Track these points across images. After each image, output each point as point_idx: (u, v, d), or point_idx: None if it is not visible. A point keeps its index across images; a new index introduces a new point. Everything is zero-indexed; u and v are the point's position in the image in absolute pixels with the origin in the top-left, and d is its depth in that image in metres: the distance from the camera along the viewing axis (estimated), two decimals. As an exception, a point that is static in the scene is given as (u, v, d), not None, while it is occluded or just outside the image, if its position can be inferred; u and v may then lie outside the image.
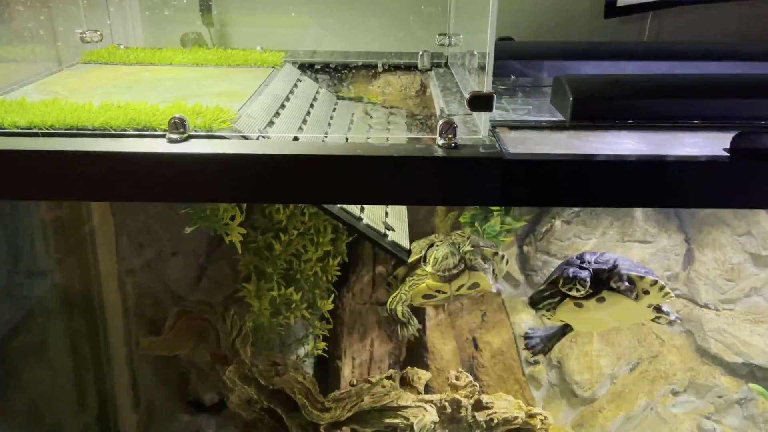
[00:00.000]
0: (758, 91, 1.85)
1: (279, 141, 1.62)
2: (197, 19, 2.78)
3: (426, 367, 2.68)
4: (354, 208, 1.88)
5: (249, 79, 2.20)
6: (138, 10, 2.75)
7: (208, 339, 2.14)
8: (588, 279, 1.87)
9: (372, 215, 1.92)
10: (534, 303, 2.03)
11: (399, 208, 2.23)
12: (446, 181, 1.46)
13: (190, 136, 1.53)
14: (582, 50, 2.42)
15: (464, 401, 2.31)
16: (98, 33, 2.47)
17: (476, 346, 2.84)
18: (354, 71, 2.76)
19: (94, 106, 1.67)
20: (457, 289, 1.82)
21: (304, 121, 2.00)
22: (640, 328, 2.86)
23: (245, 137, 1.57)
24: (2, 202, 2.37)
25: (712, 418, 2.87)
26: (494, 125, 1.72)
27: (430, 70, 2.74)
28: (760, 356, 2.74)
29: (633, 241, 2.75)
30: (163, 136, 1.53)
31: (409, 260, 1.89)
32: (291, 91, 2.24)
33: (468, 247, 1.79)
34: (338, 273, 2.58)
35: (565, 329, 2.17)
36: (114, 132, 1.57)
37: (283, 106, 2.05)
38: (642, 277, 1.92)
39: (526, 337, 2.28)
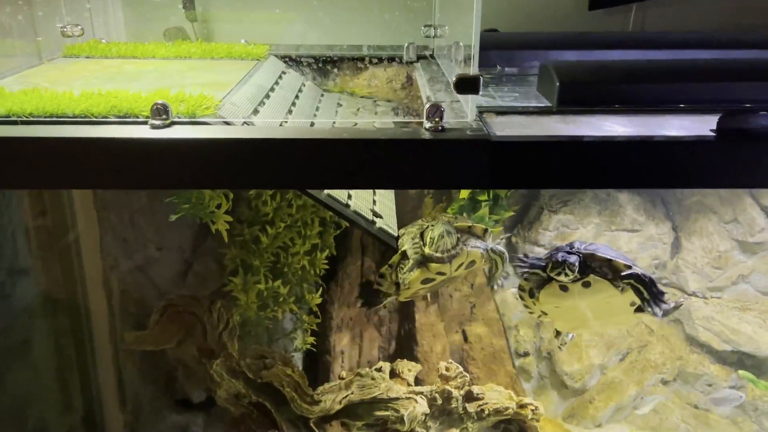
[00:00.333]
0: (743, 75, 1.85)
1: (265, 126, 1.60)
2: (180, 15, 2.75)
3: (416, 360, 2.66)
4: (341, 195, 1.86)
5: (233, 71, 2.18)
6: (120, 5, 2.72)
7: (194, 333, 2.10)
8: (577, 264, 1.87)
9: (360, 203, 1.90)
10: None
11: (387, 197, 2.21)
12: (433, 164, 1.45)
13: (173, 123, 1.51)
14: (567, 40, 2.42)
15: (455, 392, 2.29)
16: (79, 27, 2.44)
17: (466, 339, 2.83)
18: (339, 65, 2.75)
19: (75, 95, 1.64)
20: (456, 269, 1.79)
21: (290, 111, 1.98)
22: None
23: (229, 124, 1.55)
24: (-18, 199, 2.33)
25: (701, 406, 2.87)
26: (481, 111, 1.71)
27: (416, 61, 2.73)
28: (748, 344, 2.75)
29: (621, 230, 2.75)
30: (145, 123, 1.50)
31: (402, 247, 1.85)
32: (276, 83, 2.22)
33: (461, 225, 1.77)
34: (326, 266, 2.55)
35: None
36: (95, 119, 1.54)
37: (267, 95, 2.03)
38: (629, 267, 1.90)
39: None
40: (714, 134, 1.51)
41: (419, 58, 2.71)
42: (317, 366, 2.69)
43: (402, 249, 1.82)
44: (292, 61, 2.66)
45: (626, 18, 2.78)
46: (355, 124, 1.67)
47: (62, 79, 1.98)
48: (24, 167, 1.44)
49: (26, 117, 1.53)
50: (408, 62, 2.76)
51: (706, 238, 2.76)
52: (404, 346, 2.75)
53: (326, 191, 1.78)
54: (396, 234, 1.88)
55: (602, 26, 2.76)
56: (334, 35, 2.80)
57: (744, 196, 2.70)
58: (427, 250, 1.76)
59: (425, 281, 1.79)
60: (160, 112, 1.49)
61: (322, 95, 2.44)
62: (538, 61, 2.19)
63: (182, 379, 2.70)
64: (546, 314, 2.06)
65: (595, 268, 1.90)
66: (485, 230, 1.80)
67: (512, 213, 2.59)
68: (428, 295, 2.71)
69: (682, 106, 1.74)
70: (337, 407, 2.18)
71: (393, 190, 2.36)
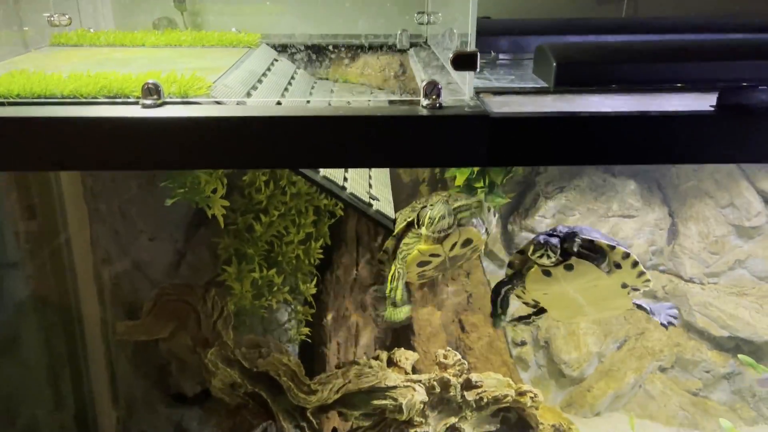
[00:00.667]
0: (739, 54, 1.84)
1: (259, 104, 1.57)
2: (170, 5, 2.72)
3: (413, 350, 2.63)
4: (337, 178, 1.82)
5: (225, 57, 2.15)
6: (108, -4, 2.68)
7: (188, 322, 2.07)
8: (558, 245, 1.83)
9: (356, 186, 1.87)
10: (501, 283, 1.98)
11: (382, 182, 2.18)
12: (431, 141, 1.42)
13: (165, 103, 1.47)
14: (561, 26, 2.40)
15: (453, 380, 2.27)
16: (67, 17, 2.40)
17: (463, 329, 2.80)
18: (332, 53, 2.72)
19: (63, 77, 1.60)
20: (451, 249, 1.75)
21: (282, 96, 1.94)
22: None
23: (222, 104, 1.52)
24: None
25: (699, 393, 2.86)
26: (478, 91, 1.68)
27: (409, 49, 2.70)
28: (745, 329, 2.74)
29: (618, 216, 2.73)
30: (136, 103, 1.47)
31: (396, 230, 1.83)
32: (268, 69, 2.19)
33: (455, 204, 1.73)
34: (321, 256, 2.52)
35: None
36: (84, 100, 1.50)
37: (260, 80, 2.00)
38: (613, 248, 1.86)
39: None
40: (713, 109, 1.49)
41: (412, 45, 2.68)
42: (312, 357, 2.65)
43: (395, 233, 1.78)
44: (284, 49, 2.63)
45: (619, 5, 2.77)
46: (349, 103, 1.65)
47: (50, 65, 1.93)
48: (11, 148, 1.40)
49: (13, 98, 1.49)
50: (401, 50, 2.74)
51: (702, 223, 2.75)
52: (401, 336, 2.72)
53: (322, 173, 1.75)
54: (393, 217, 1.86)
55: (595, 13, 2.75)
56: (326, 25, 2.77)
57: (740, 179, 2.69)
58: (423, 231, 1.72)
59: (421, 264, 1.76)
60: (152, 91, 1.46)
61: (315, 83, 2.41)
62: (532, 48, 2.18)
63: (175, 373, 2.65)
64: (538, 302, 2.02)
65: (578, 250, 1.86)
66: (479, 202, 1.76)
67: (508, 200, 2.57)
68: (425, 282, 2.67)
69: (679, 85, 1.73)
70: (335, 397, 2.15)
71: (388, 176, 2.34)
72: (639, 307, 2.00)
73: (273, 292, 2.33)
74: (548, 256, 1.81)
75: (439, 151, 1.43)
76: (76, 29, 2.40)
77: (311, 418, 2.17)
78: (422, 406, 2.23)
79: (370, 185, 2.01)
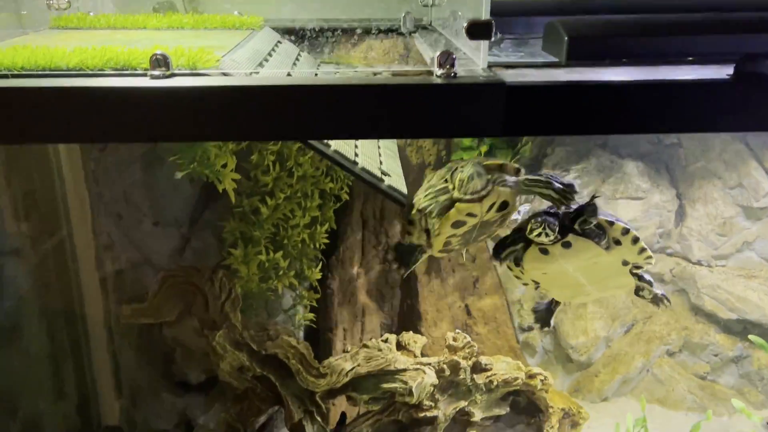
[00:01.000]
0: (753, 27, 1.82)
1: (271, 75, 1.54)
2: (170, -12, 2.68)
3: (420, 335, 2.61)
4: (349, 153, 1.79)
5: (228, 38, 2.12)
6: (108, -21, 2.64)
7: (195, 304, 2.03)
8: (556, 223, 1.77)
9: (367, 161, 1.84)
10: (496, 251, 1.90)
11: (392, 159, 2.15)
12: (446, 111, 1.39)
13: (174, 74, 1.44)
14: (566, 7, 2.38)
15: (463, 363, 2.24)
16: (66, 0, 2.36)
17: (469, 313, 2.78)
18: (335, 37, 2.69)
19: (68, 50, 1.57)
20: (488, 210, 1.69)
21: (289, 75, 1.92)
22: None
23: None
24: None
25: (707, 377, 2.84)
26: (489, 66, 1.66)
27: (414, 32, 2.67)
28: (754, 311, 2.72)
29: (625, 198, 2.71)
30: (144, 75, 1.43)
31: (430, 186, 1.73)
32: (273, 50, 2.17)
33: (489, 164, 1.68)
34: (326, 241, 2.49)
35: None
36: (90, 72, 1.47)
37: (266, 59, 1.97)
38: (612, 223, 1.80)
39: (534, 311, 2.16)
40: (730, 78, 1.47)
41: (417, 28, 2.65)
42: (318, 343, 2.63)
43: (430, 191, 1.72)
44: (286, 33, 2.60)
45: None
46: (356, 70, 1.61)
47: (52, 45, 1.90)
48: (16, 121, 1.36)
49: (17, 71, 1.46)
50: (405, 33, 2.71)
51: (710, 205, 2.73)
52: (407, 321, 2.70)
53: (333, 148, 1.72)
54: (405, 192, 1.82)
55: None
56: (329, 9, 2.75)
57: (749, 159, 2.67)
58: (455, 193, 1.67)
59: (455, 224, 1.69)
60: (160, 62, 1.42)
61: (319, 66, 2.39)
62: (538, 29, 2.16)
63: (180, 361, 2.62)
64: (538, 283, 1.98)
65: (576, 227, 1.82)
66: (518, 169, 1.72)
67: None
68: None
69: (690, 59, 1.71)
70: (344, 380, 2.12)
71: (397, 154, 2.31)
72: (641, 278, 1.95)
73: (279, 276, 2.30)
74: (546, 234, 1.76)
75: (454, 121, 1.40)
76: (76, 12, 2.37)
77: (320, 402, 2.14)
78: (432, 389, 2.20)
79: (380, 162, 1.99)
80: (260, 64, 1.85)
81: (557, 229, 1.76)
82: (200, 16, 2.37)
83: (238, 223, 2.26)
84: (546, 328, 2.13)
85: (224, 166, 1.92)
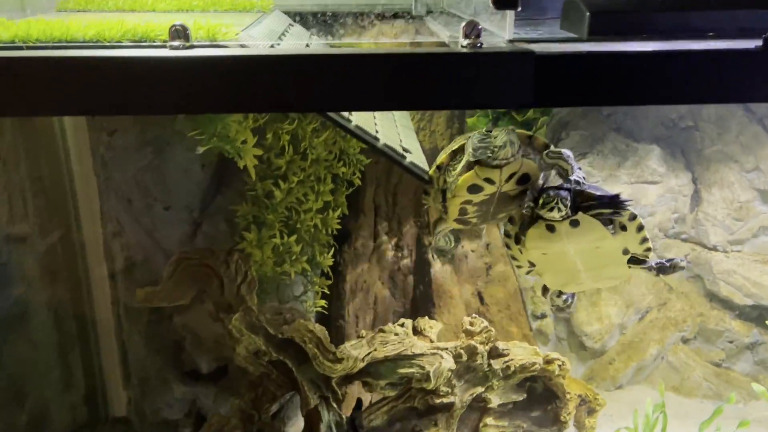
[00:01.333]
0: (777, 2, 1.79)
1: (293, 46, 1.50)
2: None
3: (433, 322, 2.57)
4: (370, 129, 1.76)
5: (241, 19, 2.09)
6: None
7: (210, 287, 2.00)
8: (568, 198, 1.72)
9: (388, 137, 1.80)
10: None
11: (411, 137, 2.11)
12: (475, 81, 1.36)
13: (193, 46, 1.40)
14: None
15: (480, 347, 2.21)
16: (72, -18, 2.33)
17: (482, 301, 2.74)
18: (345, 21, 2.66)
19: (83, 23, 1.53)
20: (507, 179, 1.65)
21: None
22: (648, 274, 2.78)
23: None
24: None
25: (722, 364, 2.81)
26: (511, 41, 1.63)
27: (426, 15, 2.65)
28: (771, 296, 2.70)
29: (641, 182, 2.68)
30: (163, 47, 1.40)
31: (445, 154, 1.68)
32: (286, 31, 2.14)
33: (520, 134, 1.64)
34: (338, 227, 2.46)
35: None
36: (108, 44, 1.43)
37: (280, 39, 1.94)
38: None
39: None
40: (759, 48, 1.43)
41: (428, 12, 2.63)
42: (330, 331, 2.59)
43: (453, 149, 1.67)
44: (296, 18, 2.58)
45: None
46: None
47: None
48: (31, 92, 1.32)
49: (32, 43, 1.42)
50: (417, 17, 2.69)
51: (726, 189, 2.70)
52: (420, 308, 2.66)
53: (355, 123, 1.69)
54: (427, 169, 1.78)
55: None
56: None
57: (766, 142, 2.64)
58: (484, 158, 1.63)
59: (472, 188, 1.65)
60: (179, 34, 1.39)
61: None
62: (548, 12, 2.13)
63: (190, 349, 2.58)
64: (534, 265, 1.91)
65: (585, 206, 1.78)
66: (546, 144, 1.68)
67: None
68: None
69: (711, 34, 1.68)
70: (360, 365, 2.08)
71: (415, 134, 2.28)
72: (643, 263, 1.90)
73: (292, 261, 2.27)
74: (559, 209, 1.71)
75: (481, 92, 1.37)
76: (81, -4, 2.34)
77: (336, 388, 2.10)
78: (449, 374, 2.17)
79: (400, 140, 1.95)
80: (276, 42, 1.82)
81: (569, 203, 1.72)
82: (210, -1, 2.34)
83: (251, 207, 2.23)
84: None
85: (244, 142, 1.88)
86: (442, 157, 1.73)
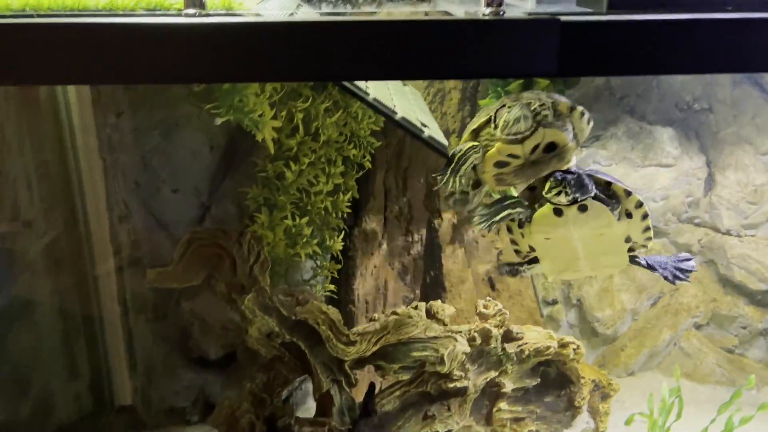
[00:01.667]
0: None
1: (312, 15, 1.46)
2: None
3: (443, 308, 2.54)
4: (387, 103, 1.72)
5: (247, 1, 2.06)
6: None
7: (222, 268, 1.96)
8: (580, 183, 1.66)
9: (405, 112, 1.77)
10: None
11: (428, 114, 2.06)
12: (498, 49, 1.32)
13: (209, 15, 1.37)
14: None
15: (494, 331, 2.17)
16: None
17: (493, 287, 2.72)
18: (352, 4, 2.62)
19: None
20: (532, 151, 1.62)
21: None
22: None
23: (269, 16, 1.42)
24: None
25: (735, 351, 2.79)
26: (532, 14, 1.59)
27: (437, -3, 2.60)
28: (785, 281, 2.67)
29: (654, 165, 2.65)
30: (178, 15, 1.36)
31: (473, 126, 1.65)
32: (295, 10, 2.10)
33: (538, 104, 1.60)
34: (348, 210, 2.43)
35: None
36: (121, 13, 1.40)
37: (293, 15, 1.90)
38: (629, 194, 1.73)
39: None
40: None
41: (440, -7, 2.58)
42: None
43: (474, 127, 1.64)
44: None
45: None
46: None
47: None
48: (44, 60, 1.29)
49: (44, 11, 1.39)
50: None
51: (741, 172, 2.67)
52: (430, 294, 2.63)
53: (373, 96, 1.65)
54: (446, 143, 1.74)
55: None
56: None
57: (782, 124, 2.62)
58: (498, 133, 1.60)
59: (498, 164, 1.63)
60: (195, 2, 1.35)
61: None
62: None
63: (198, 335, 2.56)
64: (533, 250, 1.87)
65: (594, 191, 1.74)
66: (572, 108, 1.64)
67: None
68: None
69: (729, 8, 1.64)
70: (373, 349, 2.05)
71: (430, 113, 2.24)
72: (635, 262, 1.87)
73: (303, 244, 2.24)
74: (566, 194, 1.68)
75: (505, 60, 1.34)
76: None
77: (349, 371, 2.07)
78: (464, 357, 2.13)
79: (417, 116, 1.92)
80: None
81: (576, 189, 1.69)
82: (216, -19, 2.30)
83: (262, 189, 2.19)
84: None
85: (261, 116, 1.84)
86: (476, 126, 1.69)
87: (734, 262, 2.70)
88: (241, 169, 2.33)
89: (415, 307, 2.15)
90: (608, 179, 1.73)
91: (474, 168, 1.67)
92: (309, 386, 2.53)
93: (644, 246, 1.80)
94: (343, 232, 2.45)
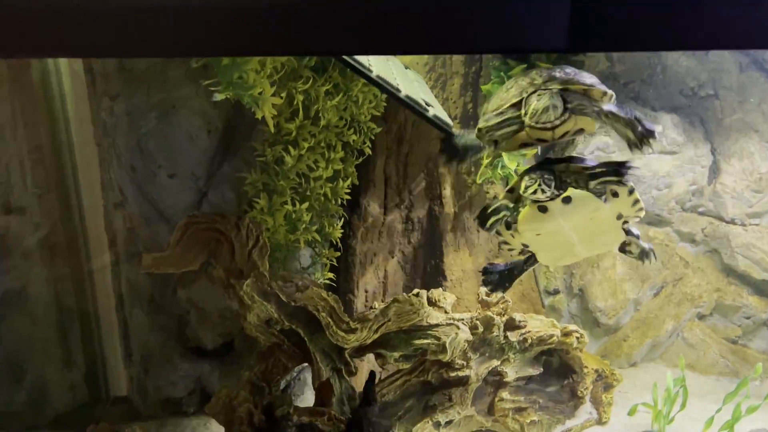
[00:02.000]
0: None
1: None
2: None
3: (444, 297, 2.50)
4: (391, 82, 1.68)
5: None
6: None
7: (220, 252, 1.92)
8: (552, 178, 1.66)
9: (409, 91, 1.72)
10: (484, 218, 1.77)
11: (430, 94, 2.02)
12: (504, 23, 1.28)
13: (207, -13, 1.32)
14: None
15: (497, 319, 2.14)
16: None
17: (494, 276, 2.67)
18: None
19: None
20: (561, 136, 1.59)
21: None
22: (664, 249, 2.73)
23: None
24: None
25: (739, 341, 2.76)
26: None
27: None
28: (790, 271, 2.63)
29: (659, 153, 2.61)
30: (174, -13, 1.31)
31: (500, 104, 1.59)
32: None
33: (576, 88, 1.55)
34: (348, 197, 2.38)
35: (528, 261, 1.92)
36: (116, -16, 1.34)
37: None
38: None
39: (485, 272, 2.00)
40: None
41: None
42: (340, 305, 2.52)
43: (504, 103, 1.58)
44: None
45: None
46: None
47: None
48: (37, 31, 1.24)
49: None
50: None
51: (746, 159, 2.64)
52: (431, 283, 2.59)
53: (376, 73, 1.61)
54: (450, 123, 1.70)
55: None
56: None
57: (789, 111, 2.59)
58: (527, 120, 1.56)
59: (524, 145, 1.60)
60: (192, -28, 1.30)
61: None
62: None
63: (195, 324, 2.51)
64: (527, 246, 1.83)
65: (572, 181, 1.69)
66: (604, 93, 1.60)
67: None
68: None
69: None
70: (374, 336, 2.01)
71: (433, 96, 2.20)
72: (628, 232, 1.84)
73: (302, 230, 2.19)
74: (543, 191, 1.64)
75: (513, 34, 1.29)
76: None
77: (349, 359, 2.03)
78: (465, 345, 2.10)
79: (421, 96, 1.87)
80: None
81: (553, 184, 1.66)
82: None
83: (261, 175, 2.15)
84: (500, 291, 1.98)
85: (261, 93, 1.80)
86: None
87: (738, 251, 2.67)
88: (239, 154, 2.28)
89: (417, 295, 2.12)
90: (584, 165, 1.70)
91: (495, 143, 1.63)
92: (308, 377, 2.50)
93: (637, 217, 1.77)
94: (342, 220, 2.41)
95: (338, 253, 2.44)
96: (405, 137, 2.51)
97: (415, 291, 2.15)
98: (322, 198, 2.28)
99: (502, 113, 1.58)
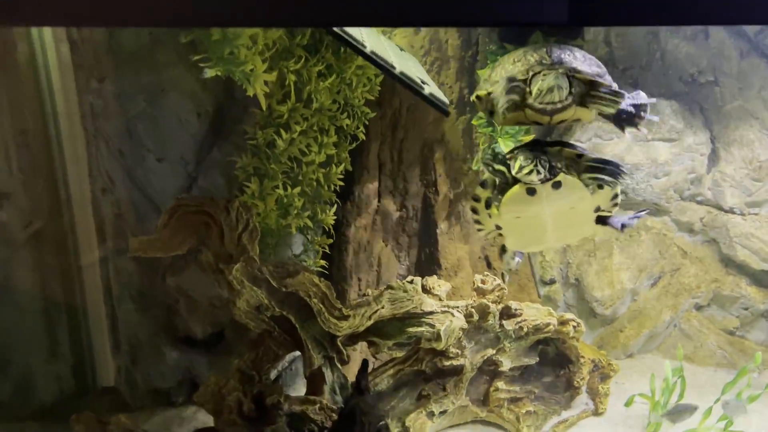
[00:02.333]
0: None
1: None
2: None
3: (439, 286, 2.46)
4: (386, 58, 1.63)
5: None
6: None
7: (209, 236, 1.87)
8: (547, 159, 1.60)
9: (404, 68, 1.67)
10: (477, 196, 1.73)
11: (425, 74, 1.97)
12: (506, -6, 1.24)
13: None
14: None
15: (492, 307, 2.10)
16: None
17: (489, 265, 2.64)
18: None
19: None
20: (557, 123, 1.55)
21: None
22: (662, 238, 2.69)
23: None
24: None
25: (737, 332, 2.72)
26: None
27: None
28: (789, 260, 2.60)
29: (657, 140, 2.57)
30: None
31: (504, 76, 1.53)
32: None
33: (582, 78, 1.50)
34: (341, 183, 2.34)
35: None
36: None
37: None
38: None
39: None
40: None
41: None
42: (332, 294, 2.47)
43: (504, 78, 1.53)
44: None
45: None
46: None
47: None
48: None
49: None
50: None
51: (746, 147, 2.60)
52: (425, 271, 2.55)
53: (370, 49, 1.56)
54: (446, 101, 1.65)
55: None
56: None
57: (789, 98, 2.55)
58: (530, 99, 1.51)
59: (519, 123, 1.55)
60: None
61: None
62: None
63: (184, 313, 2.46)
64: (500, 228, 1.75)
65: (563, 166, 1.64)
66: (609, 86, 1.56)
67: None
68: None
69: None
70: (366, 323, 1.96)
71: (428, 76, 2.15)
72: (602, 222, 1.79)
73: (294, 215, 2.15)
74: (538, 172, 1.58)
75: (512, 7, 1.25)
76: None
77: (341, 347, 1.98)
78: (460, 334, 2.06)
79: (417, 75, 1.83)
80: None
81: (548, 165, 1.61)
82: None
83: (252, 158, 2.10)
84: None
85: (252, 70, 1.74)
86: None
87: (737, 241, 2.63)
88: (229, 138, 2.23)
89: (411, 282, 2.07)
90: (579, 151, 1.66)
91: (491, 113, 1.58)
92: (299, 368, 2.45)
93: (611, 210, 1.73)
94: (335, 206, 2.36)
95: (331, 240, 2.40)
96: (400, 123, 2.47)
97: (409, 278, 2.11)
98: (315, 183, 2.23)
99: (503, 85, 1.52)
